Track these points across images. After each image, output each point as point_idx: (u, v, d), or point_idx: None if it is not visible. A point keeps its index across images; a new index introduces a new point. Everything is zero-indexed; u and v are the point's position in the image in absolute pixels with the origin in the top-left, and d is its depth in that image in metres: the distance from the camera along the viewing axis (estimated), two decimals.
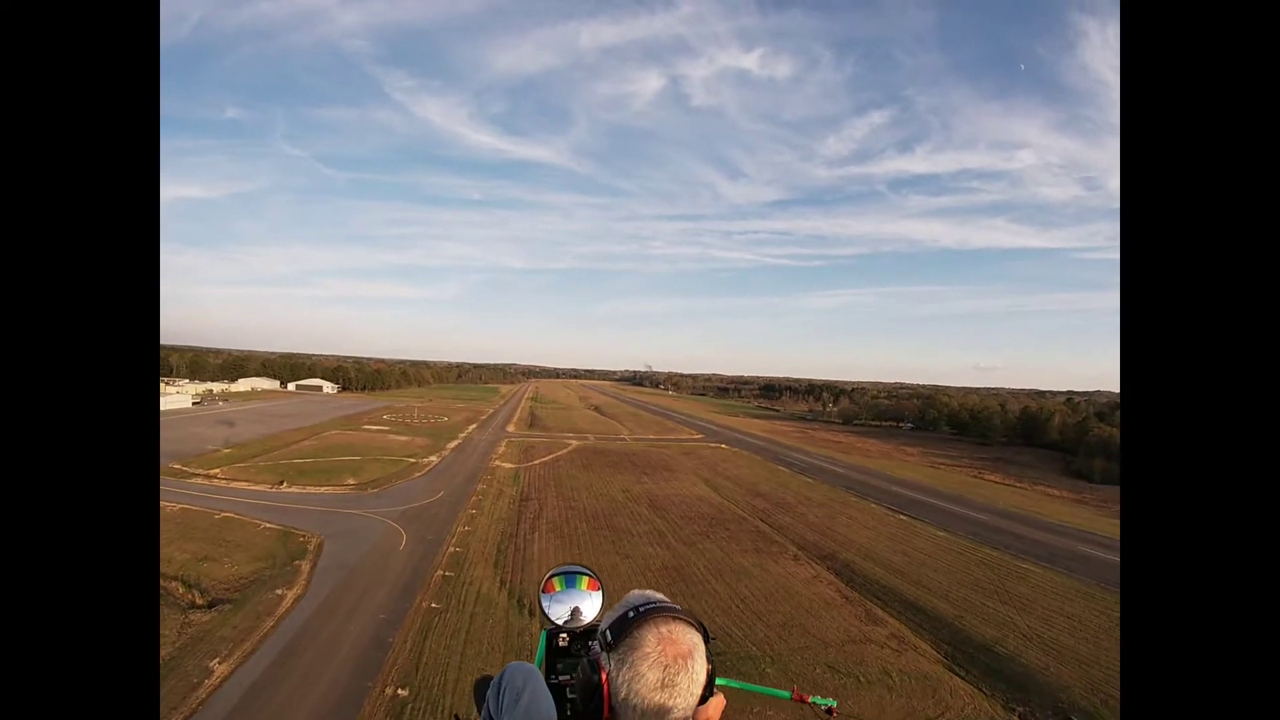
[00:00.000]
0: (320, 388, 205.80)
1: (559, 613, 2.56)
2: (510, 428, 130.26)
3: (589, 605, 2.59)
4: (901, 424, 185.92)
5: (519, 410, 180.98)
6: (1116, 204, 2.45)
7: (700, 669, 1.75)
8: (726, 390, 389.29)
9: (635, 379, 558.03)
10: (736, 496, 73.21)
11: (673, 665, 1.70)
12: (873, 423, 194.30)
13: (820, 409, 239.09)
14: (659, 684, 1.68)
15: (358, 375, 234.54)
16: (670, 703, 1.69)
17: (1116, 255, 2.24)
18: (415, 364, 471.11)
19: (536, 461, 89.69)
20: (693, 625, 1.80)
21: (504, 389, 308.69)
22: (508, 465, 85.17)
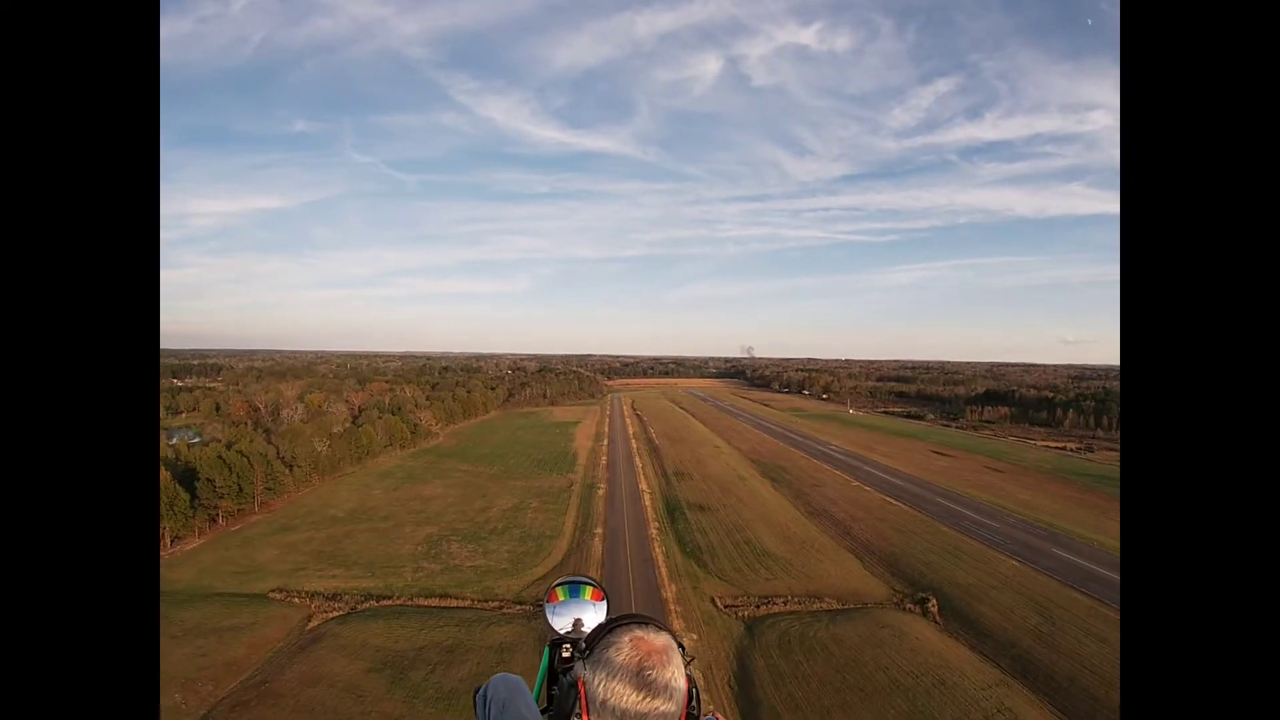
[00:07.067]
0: None
1: (562, 623, 2.51)
2: None
3: (592, 615, 2.53)
4: None
5: None
6: None
7: (678, 669, 1.72)
8: (922, 403, 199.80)
9: (744, 375, 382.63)
10: None
11: (647, 660, 1.68)
12: None
13: None
14: (634, 678, 1.65)
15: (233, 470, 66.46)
16: (650, 704, 1.64)
17: None
18: (478, 358, 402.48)
19: None
20: (667, 632, 1.80)
21: (580, 429, 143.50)
22: None
